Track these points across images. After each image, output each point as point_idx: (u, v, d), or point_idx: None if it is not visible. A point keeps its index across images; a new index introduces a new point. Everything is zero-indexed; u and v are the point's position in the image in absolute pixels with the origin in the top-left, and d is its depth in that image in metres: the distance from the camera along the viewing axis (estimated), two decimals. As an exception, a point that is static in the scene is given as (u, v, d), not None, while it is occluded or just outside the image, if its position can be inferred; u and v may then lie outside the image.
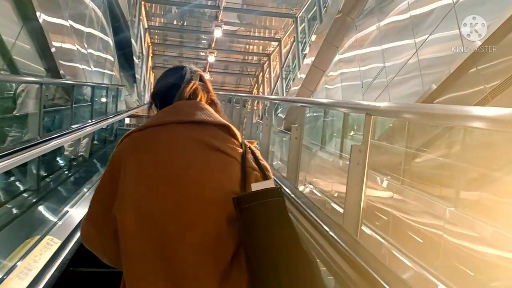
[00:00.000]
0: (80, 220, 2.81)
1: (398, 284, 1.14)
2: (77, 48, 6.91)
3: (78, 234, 2.74)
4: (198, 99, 1.24)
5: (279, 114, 14.38)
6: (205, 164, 1.11)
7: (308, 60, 11.68)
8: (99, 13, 8.79)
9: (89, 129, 5.00)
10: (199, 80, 1.29)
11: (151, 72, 22.91)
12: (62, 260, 2.44)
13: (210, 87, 1.31)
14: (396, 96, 6.77)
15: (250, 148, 1.20)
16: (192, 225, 1.06)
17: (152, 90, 1.33)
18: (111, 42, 10.49)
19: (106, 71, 9.86)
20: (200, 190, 1.08)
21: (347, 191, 2.06)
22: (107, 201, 1.12)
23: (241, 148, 1.18)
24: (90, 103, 6.48)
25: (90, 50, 8.03)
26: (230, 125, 1.19)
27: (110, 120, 6.36)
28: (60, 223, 3.17)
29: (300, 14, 14.75)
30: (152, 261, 1.04)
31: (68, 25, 6.42)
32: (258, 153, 1.21)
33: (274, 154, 8.90)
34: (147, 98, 19.15)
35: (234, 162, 1.14)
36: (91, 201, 1.18)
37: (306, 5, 14.20)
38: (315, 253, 1.46)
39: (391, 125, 6.11)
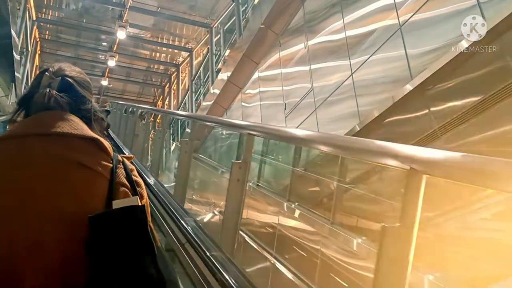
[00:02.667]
0: None
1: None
2: None
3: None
4: (59, 108, 1.14)
5: (187, 130, 13.46)
6: (64, 181, 1.05)
7: (224, 75, 11.07)
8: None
9: None
10: (63, 85, 1.17)
11: (38, 72, 20.30)
12: None
13: (85, 94, 1.21)
14: (325, 118, 6.26)
15: (123, 162, 1.16)
16: (41, 246, 0.99)
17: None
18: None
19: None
20: (54, 208, 1.02)
21: (226, 206, 2.21)
22: None
23: (111, 163, 1.12)
24: None
25: None
26: (99, 138, 1.13)
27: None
28: None
29: (216, 25, 13.98)
30: None
31: None
32: (132, 168, 1.17)
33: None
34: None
35: (100, 178, 1.08)
36: None
37: (223, 16, 13.48)
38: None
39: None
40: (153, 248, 1.06)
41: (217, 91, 11.37)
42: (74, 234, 1.01)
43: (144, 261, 1.04)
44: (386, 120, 4.77)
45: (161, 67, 23.15)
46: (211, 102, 11.64)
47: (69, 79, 1.19)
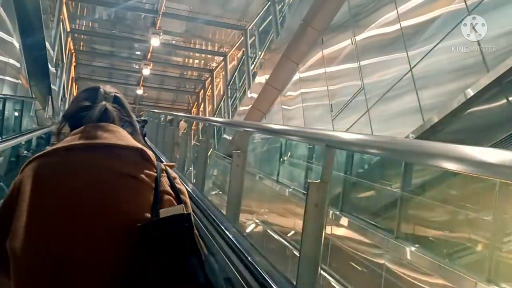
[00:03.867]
0: None
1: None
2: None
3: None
4: (110, 121, 1.21)
5: (224, 136, 13.17)
6: (111, 191, 1.09)
7: (261, 78, 10.70)
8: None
9: None
10: (114, 102, 1.27)
11: (74, 84, 20.58)
12: None
13: (128, 108, 1.30)
14: (379, 116, 5.72)
15: (166, 171, 1.19)
16: (98, 255, 1.04)
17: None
18: (15, 43, 8.55)
19: (7, 77, 7.91)
20: (104, 218, 1.06)
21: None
22: (2, 233, 1.06)
23: (155, 172, 1.16)
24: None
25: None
26: (143, 148, 1.18)
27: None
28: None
29: (250, 27, 13.59)
30: None
31: None
32: (174, 176, 1.21)
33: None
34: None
35: (146, 187, 1.12)
36: None
37: (258, 17, 13.09)
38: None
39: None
40: (200, 253, 1.09)
41: (254, 95, 11.01)
42: (123, 243, 1.05)
43: (193, 267, 1.07)
44: (466, 112, 4.18)
45: (195, 73, 23.06)
46: (249, 107, 11.30)
47: (119, 96, 1.30)
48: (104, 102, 1.24)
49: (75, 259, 1.03)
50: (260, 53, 12.78)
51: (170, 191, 1.15)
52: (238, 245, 1.94)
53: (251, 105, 11.09)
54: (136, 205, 1.09)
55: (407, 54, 5.29)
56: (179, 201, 1.15)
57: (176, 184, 1.19)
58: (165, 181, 1.16)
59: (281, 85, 9.83)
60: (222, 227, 2.24)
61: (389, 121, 5.62)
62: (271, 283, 1.57)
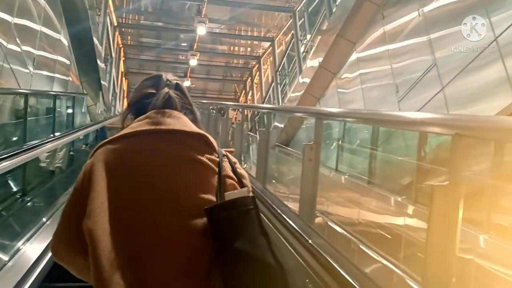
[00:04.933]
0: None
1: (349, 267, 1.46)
2: (6, 45, 4.97)
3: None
4: (173, 108, 1.25)
5: (275, 124, 12.89)
6: (178, 176, 1.13)
7: (314, 62, 10.19)
8: (41, 1, 6.83)
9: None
10: (176, 89, 1.30)
11: (124, 79, 20.83)
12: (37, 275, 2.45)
13: (188, 96, 1.33)
14: (456, 95, 5.07)
15: (226, 156, 1.22)
16: (168, 237, 1.08)
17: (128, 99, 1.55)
18: (64, 40, 8.52)
19: (57, 75, 7.89)
20: (174, 202, 1.10)
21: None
22: (77, 215, 1.11)
23: (217, 157, 1.19)
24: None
25: (27, 48, 6.06)
26: (206, 134, 1.21)
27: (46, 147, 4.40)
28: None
29: (299, 8, 12.98)
30: (124, 277, 1.03)
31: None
32: (235, 161, 1.23)
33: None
34: (118, 108, 17.22)
35: (209, 172, 1.16)
36: (61, 215, 1.18)
37: (306, -3, 12.48)
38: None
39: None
40: (267, 234, 1.11)
41: (307, 80, 10.51)
42: (192, 226, 1.09)
43: (262, 248, 1.08)
44: None
45: (241, 61, 22.75)
46: (301, 93, 10.82)
47: (180, 84, 1.34)
48: (166, 89, 1.27)
49: (145, 239, 1.06)
50: (310, 35, 12.18)
51: (232, 175, 1.18)
52: (321, 251, 1.75)
53: (303, 91, 10.61)
54: (201, 188, 1.12)
55: (489, 20, 4.64)
56: (242, 185, 1.18)
57: (237, 169, 1.21)
58: (227, 166, 1.19)
59: (336, 67, 9.28)
60: (296, 226, 2.10)
61: (470, 97, 4.98)
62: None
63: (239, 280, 1.05)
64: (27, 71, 6.06)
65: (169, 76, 1.33)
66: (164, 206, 1.08)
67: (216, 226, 1.07)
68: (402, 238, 4.47)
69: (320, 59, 9.55)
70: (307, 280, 1.69)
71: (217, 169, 1.16)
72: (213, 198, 1.12)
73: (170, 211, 1.08)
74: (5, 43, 5.19)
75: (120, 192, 1.09)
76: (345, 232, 5.25)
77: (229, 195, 1.12)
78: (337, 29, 8.65)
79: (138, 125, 1.19)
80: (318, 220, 6.44)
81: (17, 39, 5.65)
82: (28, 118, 4.98)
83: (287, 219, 2.28)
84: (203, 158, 1.15)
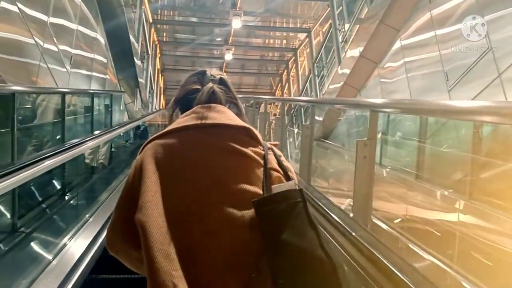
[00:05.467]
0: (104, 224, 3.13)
1: (407, 269, 1.37)
2: (35, 42, 4.92)
3: (101, 239, 2.91)
4: (218, 102, 1.28)
5: (317, 118, 12.60)
6: (225, 168, 1.15)
7: (354, 52, 9.88)
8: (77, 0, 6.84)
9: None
10: (220, 83, 1.33)
11: (161, 75, 20.98)
12: (84, 268, 2.53)
13: (232, 89, 1.35)
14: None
15: (272, 149, 1.24)
16: (216, 230, 1.10)
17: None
18: (100, 38, 8.54)
19: (94, 73, 7.92)
20: (222, 195, 1.12)
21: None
22: (130, 208, 1.14)
23: (262, 150, 1.20)
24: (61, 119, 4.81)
25: (63, 47, 6.05)
26: (251, 127, 1.23)
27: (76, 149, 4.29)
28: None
29: (336, -4, 12.56)
30: (176, 268, 1.05)
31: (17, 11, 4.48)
32: (280, 154, 1.25)
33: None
34: (155, 105, 17.34)
35: (255, 164, 1.17)
36: (115, 208, 1.22)
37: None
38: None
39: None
40: (316, 227, 1.10)
41: (346, 71, 10.18)
42: (239, 219, 1.10)
43: (311, 241, 1.08)
44: None
45: (276, 54, 22.45)
46: (340, 84, 10.48)
47: (224, 78, 1.36)
48: (211, 84, 1.29)
49: (194, 232, 1.09)
50: (349, 24, 11.75)
51: (278, 168, 1.19)
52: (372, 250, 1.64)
53: (342, 82, 10.27)
54: (248, 181, 1.13)
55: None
56: (287, 178, 1.19)
57: (283, 162, 1.22)
58: (272, 158, 1.20)
59: (378, 56, 8.89)
60: (349, 230, 1.93)
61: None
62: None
63: (288, 273, 1.04)
64: (63, 69, 6.06)
65: (213, 71, 1.35)
66: (212, 198, 1.10)
67: (265, 218, 1.08)
68: (456, 236, 4.16)
69: (361, 49, 9.20)
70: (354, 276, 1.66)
71: (262, 162, 1.17)
72: (260, 191, 1.12)
73: (218, 204, 1.10)
74: (46, 44, 5.18)
75: (170, 185, 1.12)
76: (394, 231, 4.97)
77: (277, 187, 1.12)
78: (379, 15, 8.27)
79: (184, 120, 1.22)
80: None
81: (54, 38, 5.63)
82: (67, 118, 4.96)
83: (332, 215, 2.19)
84: (248, 151, 1.17)
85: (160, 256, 1.04)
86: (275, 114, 11.68)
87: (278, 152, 1.24)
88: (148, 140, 1.22)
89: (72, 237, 2.97)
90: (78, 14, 6.88)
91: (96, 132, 4.94)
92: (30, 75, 4.88)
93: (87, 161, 5.73)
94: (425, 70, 7.09)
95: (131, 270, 1.23)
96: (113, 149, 7.39)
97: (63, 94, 4.77)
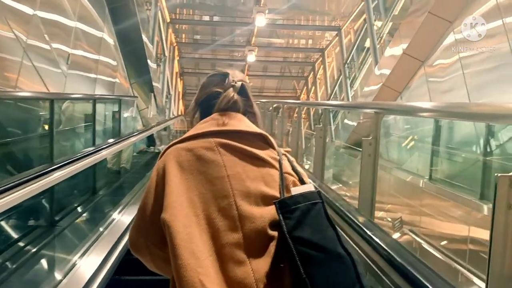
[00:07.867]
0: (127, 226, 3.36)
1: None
2: (16, 36, 4.09)
3: (124, 241, 3.10)
4: (236, 109, 1.32)
5: (345, 121, 11.76)
6: (245, 171, 1.20)
7: (394, 50, 9.00)
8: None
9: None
10: (241, 92, 1.36)
11: (179, 79, 20.22)
12: (108, 269, 2.69)
13: (251, 97, 1.40)
14: None
15: (285, 155, 1.31)
16: (234, 227, 1.14)
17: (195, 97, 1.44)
18: (108, 38, 7.74)
19: (100, 76, 7.09)
20: (242, 198, 1.16)
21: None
22: (154, 209, 1.20)
23: (277, 155, 1.27)
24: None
25: (57, 45, 5.23)
26: (267, 134, 1.29)
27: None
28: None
29: (370, -11, 11.49)
30: (202, 265, 1.11)
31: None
32: (292, 159, 1.32)
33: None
34: (173, 111, 16.54)
35: (273, 169, 1.23)
36: (138, 210, 1.26)
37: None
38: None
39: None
40: (335, 227, 1.16)
41: (385, 71, 9.21)
42: (259, 219, 1.14)
43: (332, 240, 1.11)
44: None
45: (301, 55, 21.50)
46: (378, 86, 9.54)
47: (245, 85, 1.37)
48: (231, 92, 1.33)
49: (218, 230, 1.13)
50: (386, 19, 10.70)
51: (292, 173, 1.25)
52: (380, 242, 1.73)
53: (381, 84, 9.32)
54: (265, 184, 1.19)
55: None
56: (302, 182, 1.24)
57: (296, 167, 1.29)
58: (286, 164, 1.26)
59: (425, 53, 7.90)
60: (357, 221, 2.06)
61: None
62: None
63: (309, 271, 1.06)
64: (58, 70, 5.23)
65: (236, 74, 1.38)
66: (233, 199, 1.15)
67: (285, 219, 1.11)
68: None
69: (404, 46, 8.22)
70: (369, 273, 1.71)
71: (277, 166, 1.23)
72: (277, 193, 1.18)
73: (239, 205, 1.14)
74: (23, 37, 4.34)
75: (193, 186, 1.17)
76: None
77: (296, 189, 1.17)
78: (428, 7, 7.26)
79: (204, 126, 1.28)
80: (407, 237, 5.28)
81: (45, 35, 4.81)
82: (58, 129, 4.14)
83: (346, 212, 2.26)
84: (265, 156, 1.23)
85: (187, 253, 1.09)
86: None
87: (291, 158, 1.31)
88: (169, 145, 1.27)
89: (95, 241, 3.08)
90: (77, 10, 6.06)
91: (89, 150, 4.01)
92: (5, 71, 4.06)
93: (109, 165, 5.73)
94: (488, 65, 6.06)
95: (153, 272, 1.27)
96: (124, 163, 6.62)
97: (52, 100, 3.87)
